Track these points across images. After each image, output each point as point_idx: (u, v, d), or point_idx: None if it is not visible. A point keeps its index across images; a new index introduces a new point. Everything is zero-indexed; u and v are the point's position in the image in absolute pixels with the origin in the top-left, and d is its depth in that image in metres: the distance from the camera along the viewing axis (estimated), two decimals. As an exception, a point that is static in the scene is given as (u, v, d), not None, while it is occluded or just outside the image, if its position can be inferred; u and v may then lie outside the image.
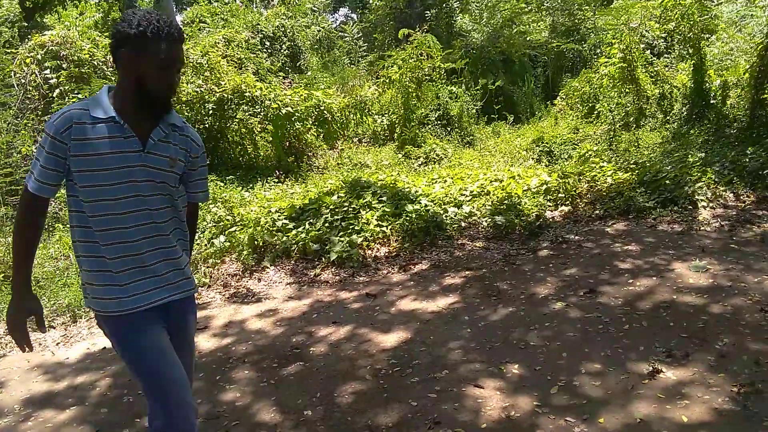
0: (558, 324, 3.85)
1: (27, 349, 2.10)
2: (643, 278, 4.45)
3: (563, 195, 6.54)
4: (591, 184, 6.71)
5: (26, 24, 13.28)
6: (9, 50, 9.82)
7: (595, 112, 11.00)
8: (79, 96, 8.42)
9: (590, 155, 7.90)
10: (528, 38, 15.08)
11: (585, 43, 14.67)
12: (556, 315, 3.99)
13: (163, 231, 2.11)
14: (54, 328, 4.84)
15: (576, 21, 15.46)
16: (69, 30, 10.03)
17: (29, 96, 9.13)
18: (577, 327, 3.76)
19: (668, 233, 5.45)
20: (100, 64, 9.48)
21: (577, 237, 5.56)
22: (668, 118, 9.77)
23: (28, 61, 9.12)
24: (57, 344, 4.54)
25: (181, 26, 1.97)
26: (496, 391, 3.14)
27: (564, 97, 12.76)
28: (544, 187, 6.65)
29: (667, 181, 6.25)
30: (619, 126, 9.91)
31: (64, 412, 3.51)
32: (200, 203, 2.42)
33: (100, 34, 10.52)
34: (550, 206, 6.43)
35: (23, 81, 9.22)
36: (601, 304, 4.06)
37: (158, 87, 2.00)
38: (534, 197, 6.48)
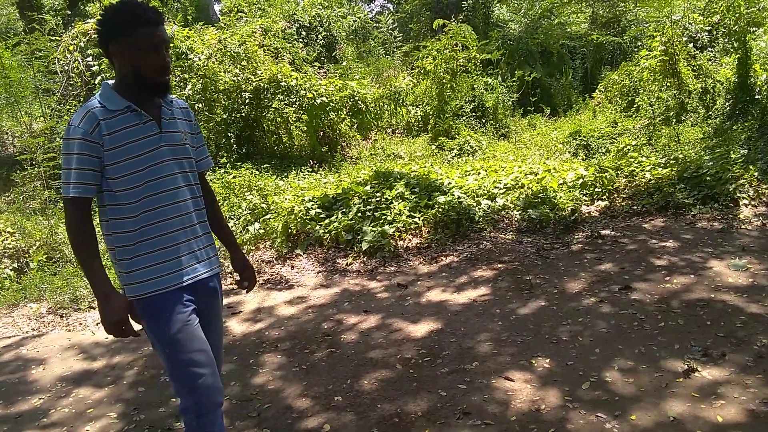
0: (591, 319, 3.80)
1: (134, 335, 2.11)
2: (680, 276, 4.36)
3: (600, 189, 6.43)
4: (629, 179, 6.58)
5: (69, 12, 13.61)
6: (53, 38, 10.08)
7: (635, 106, 10.75)
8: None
9: (629, 150, 7.74)
10: (567, 29, 14.80)
11: (625, 36, 14.32)
12: (589, 310, 3.94)
13: (190, 209, 2.19)
14: (93, 308, 4.99)
15: (617, 12, 15.09)
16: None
17: (72, 83, 9.38)
18: (611, 323, 3.71)
19: (707, 230, 5.32)
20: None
21: (613, 232, 5.48)
22: (710, 113, 9.49)
23: (71, 48, 9.35)
24: (96, 324, 4.68)
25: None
26: (526, 384, 3.12)
27: (603, 89, 12.50)
28: (581, 181, 6.55)
29: (708, 178, 6.09)
30: (659, 120, 9.68)
31: (101, 390, 3.63)
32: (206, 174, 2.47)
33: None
34: (586, 201, 6.33)
35: (66, 68, 9.47)
36: (636, 301, 3.99)
37: (154, 70, 2.05)
38: (570, 191, 6.40)
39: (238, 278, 2.51)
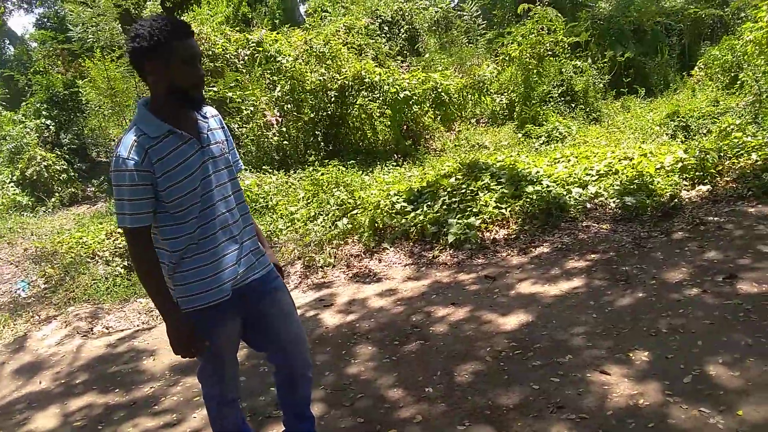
0: (693, 311, 3.60)
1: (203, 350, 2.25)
2: (795, 263, 4.03)
3: (701, 173, 6.05)
4: (733, 161, 6.14)
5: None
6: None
7: (738, 83, 9.99)
8: (214, 89, 9.05)
9: (732, 129, 7.21)
10: (662, 5, 13.98)
11: (727, 8, 13.33)
12: (691, 301, 3.73)
13: (236, 217, 2.26)
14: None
15: (717, -18, 14.10)
16: (202, 26, 10.78)
17: (171, 90, 9.95)
18: (714, 314, 3.50)
19: (826, 214, 4.88)
20: (232, 57, 10.11)
21: (716, 218, 5.14)
22: (826, 86, 8.66)
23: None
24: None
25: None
26: (623, 378, 3.01)
27: (702, 66, 11.71)
28: (680, 164, 6.18)
29: (826, 157, 5.58)
30: (766, 97, 8.94)
31: (207, 378, 3.85)
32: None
33: (231, 29, 11.21)
34: (686, 185, 5.98)
35: (166, 77, 10.05)
36: (742, 291, 3.74)
37: (191, 83, 2.08)
38: (668, 176, 6.05)
39: None
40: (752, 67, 9.50)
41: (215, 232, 2.18)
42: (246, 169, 8.41)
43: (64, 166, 11.23)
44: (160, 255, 2.17)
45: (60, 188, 10.92)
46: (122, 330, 5.04)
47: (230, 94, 9.05)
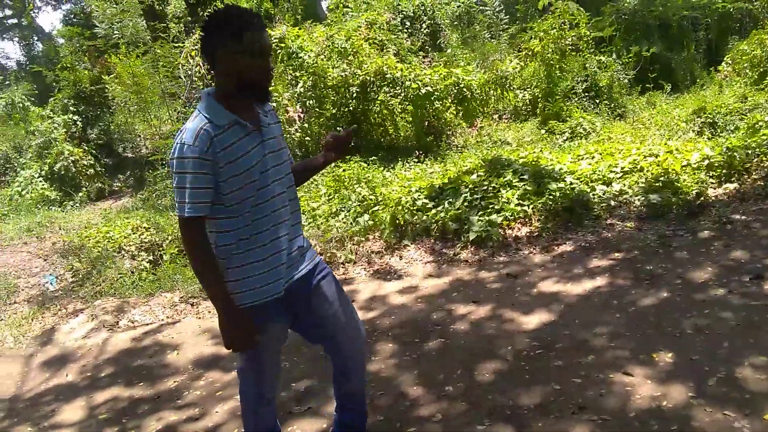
0: (718, 311, 3.55)
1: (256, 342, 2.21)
2: (825, 264, 3.95)
3: (728, 171, 5.94)
4: (761, 158, 6.02)
5: (191, 18, 14.57)
6: (177, 44, 10.85)
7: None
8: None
9: (761, 126, 7.06)
10: (688, -1, 13.74)
11: (756, 1, 13.03)
12: (717, 302, 3.68)
13: (288, 213, 2.25)
14: (220, 297, 5.36)
15: (746, -25, 13.78)
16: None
17: (195, 86, 10.06)
18: (741, 315, 3.45)
19: None
20: (255, 53, 10.16)
21: (744, 217, 5.05)
22: None
23: (193, 53, 10.02)
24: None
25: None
26: (647, 380, 2.99)
27: (730, 62, 11.47)
28: (707, 162, 6.07)
29: None
30: (798, 92, 8.75)
31: (229, 374, 3.91)
32: None
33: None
34: (713, 183, 5.88)
35: (189, 72, 10.17)
36: (772, 292, 3.67)
37: (260, 76, 2.08)
38: (695, 173, 5.95)
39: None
40: (782, 62, 9.29)
41: (269, 228, 2.16)
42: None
43: (92, 162, 11.41)
44: (218, 253, 2.16)
45: (87, 183, 11.10)
46: (147, 324, 5.13)
47: (253, 90, 9.10)
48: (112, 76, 11.90)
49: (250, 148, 2.09)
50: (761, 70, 10.18)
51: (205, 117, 2.05)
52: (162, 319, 5.19)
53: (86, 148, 11.62)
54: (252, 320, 2.16)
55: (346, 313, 2.44)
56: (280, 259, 2.21)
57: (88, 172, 11.20)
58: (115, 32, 15.26)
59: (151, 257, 6.42)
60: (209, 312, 5.13)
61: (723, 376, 2.89)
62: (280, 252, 2.21)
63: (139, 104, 11.81)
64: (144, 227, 6.98)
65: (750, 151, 6.10)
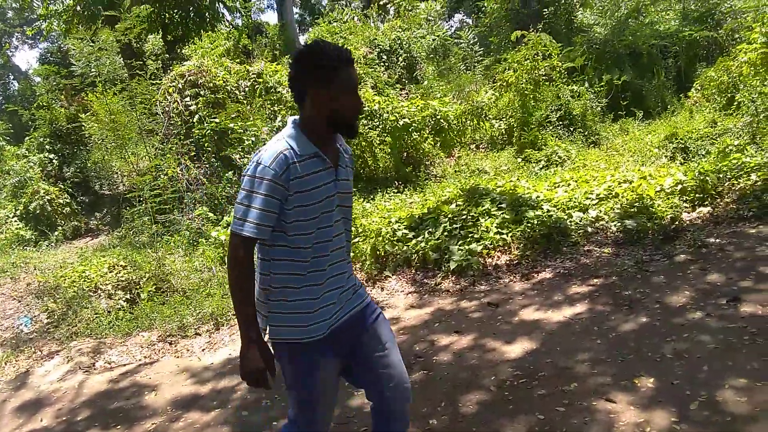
0: (697, 335, 3.58)
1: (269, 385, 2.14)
2: (798, 285, 4.02)
3: (701, 195, 6.06)
4: (733, 182, 6.16)
5: (168, 56, 14.66)
6: (154, 81, 10.89)
7: (735, 103, 10.06)
8: (216, 120, 9.14)
9: (731, 150, 7.25)
10: (656, 28, 14.17)
11: (721, 29, 13.50)
12: (695, 325, 3.71)
13: (345, 251, 2.22)
14: (199, 335, 5.28)
15: (710, 5, 14.29)
16: (203, 59, 10.92)
17: (172, 122, 10.05)
18: (719, 338, 3.48)
19: (828, 233, 4.87)
20: (233, 89, 10.22)
21: (717, 240, 5.14)
22: (823, 105, 8.71)
23: (170, 90, 10.04)
24: (202, 350, 4.95)
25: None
26: (629, 406, 2.99)
27: (699, 88, 11.80)
28: (680, 186, 6.20)
29: (825, 175, 5.59)
30: (763, 117, 8.99)
31: (208, 414, 3.83)
32: None
33: (231, 61, 11.35)
34: (686, 207, 5.99)
35: (167, 109, 10.16)
36: (746, 314, 3.72)
37: (351, 113, 2.06)
38: (668, 198, 6.07)
39: None
40: (748, 88, 9.58)
41: (326, 267, 2.13)
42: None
43: (67, 200, 11.27)
44: (264, 278, 2.11)
45: (63, 222, 10.95)
46: (124, 365, 5.01)
47: (232, 125, 9.13)
48: (89, 113, 11.86)
49: (322, 183, 2.06)
50: (728, 95, 10.48)
51: (287, 143, 2.03)
52: (139, 360, 5.08)
53: (62, 186, 11.50)
54: (272, 356, 2.11)
55: (394, 358, 2.29)
56: (332, 298, 2.16)
57: (63, 211, 11.05)
58: (92, 70, 15.25)
59: (128, 296, 6.30)
60: (187, 350, 5.04)
61: (704, 400, 2.90)
62: (332, 290, 2.16)
63: (116, 141, 11.75)
64: (121, 265, 6.87)
65: (722, 175, 6.24)
